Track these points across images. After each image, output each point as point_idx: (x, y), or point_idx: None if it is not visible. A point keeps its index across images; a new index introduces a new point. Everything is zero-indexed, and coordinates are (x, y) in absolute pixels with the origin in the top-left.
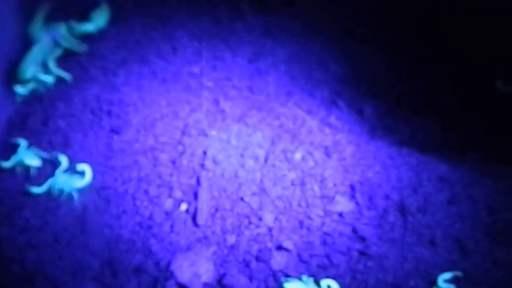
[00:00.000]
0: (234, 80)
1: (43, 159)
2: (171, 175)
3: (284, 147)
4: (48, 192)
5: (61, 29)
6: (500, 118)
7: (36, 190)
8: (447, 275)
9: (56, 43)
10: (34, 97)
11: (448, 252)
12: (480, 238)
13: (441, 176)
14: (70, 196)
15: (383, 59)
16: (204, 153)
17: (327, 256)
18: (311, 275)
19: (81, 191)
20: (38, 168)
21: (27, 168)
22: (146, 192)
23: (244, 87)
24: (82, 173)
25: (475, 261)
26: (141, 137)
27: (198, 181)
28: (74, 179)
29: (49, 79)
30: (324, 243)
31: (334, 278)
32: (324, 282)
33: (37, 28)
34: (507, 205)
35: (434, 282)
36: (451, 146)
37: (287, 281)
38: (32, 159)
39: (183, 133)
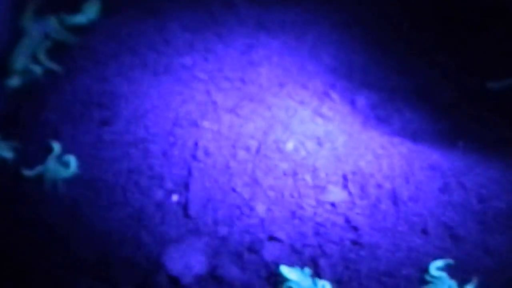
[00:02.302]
0: (226, 71)
1: (37, 147)
2: (162, 166)
3: (276, 137)
4: (39, 178)
5: (52, 21)
6: (492, 108)
7: (27, 173)
8: (439, 263)
9: (47, 35)
10: (24, 89)
11: (440, 240)
12: (472, 226)
13: (433, 164)
14: (56, 185)
15: (377, 51)
16: (195, 144)
17: (320, 246)
18: (303, 265)
19: (68, 182)
20: (31, 155)
21: (3, 161)
22: (136, 183)
23: (236, 79)
24: (67, 164)
25: (467, 248)
26: (132, 129)
27: (190, 172)
28: (61, 169)
29: (39, 71)
30: (316, 233)
31: (326, 267)
32: (321, 283)
33: (28, 20)
34: (498, 193)
35: (426, 270)
36: (444, 135)
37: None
38: (5, 151)
39: (174, 124)
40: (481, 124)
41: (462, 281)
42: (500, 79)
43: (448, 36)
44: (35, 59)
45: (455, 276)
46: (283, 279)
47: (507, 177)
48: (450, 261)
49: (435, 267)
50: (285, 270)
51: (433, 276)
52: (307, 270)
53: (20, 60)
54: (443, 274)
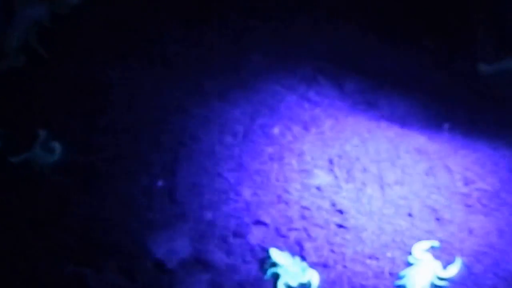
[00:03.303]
0: (216, 58)
1: (24, 134)
2: (149, 152)
3: (263, 122)
4: (26, 165)
5: (44, 6)
6: (481, 92)
7: (14, 159)
8: (423, 244)
9: (37, 19)
10: (15, 75)
11: (425, 223)
12: (456, 208)
13: (419, 148)
14: (42, 171)
15: (366, 36)
16: (183, 129)
17: (305, 230)
18: (289, 248)
19: (57, 168)
20: (19, 142)
21: None
22: (123, 169)
23: (226, 65)
24: (53, 150)
25: (451, 230)
26: (121, 115)
27: (176, 158)
28: (47, 155)
29: (30, 56)
30: (302, 217)
31: (312, 251)
32: (309, 272)
33: (19, 4)
34: (483, 175)
35: (411, 252)
36: (432, 119)
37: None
38: None
39: (163, 110)
40: (469, 108)
41: (446, 262)
42: (491, 63)
43: (438, 19)
44: (26, 44)
45: (440, 257)
46: (269, 264)
47: (492, 159)
48: (435, 242)
49: (419, 248)
50: (274, 253)
51: (416, 258)
52: (297, 258)
53: (10, 45)
54: (428, 255)
